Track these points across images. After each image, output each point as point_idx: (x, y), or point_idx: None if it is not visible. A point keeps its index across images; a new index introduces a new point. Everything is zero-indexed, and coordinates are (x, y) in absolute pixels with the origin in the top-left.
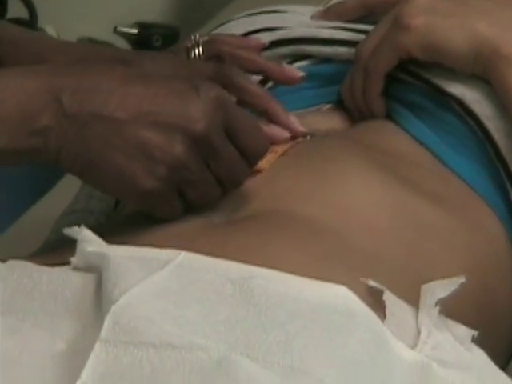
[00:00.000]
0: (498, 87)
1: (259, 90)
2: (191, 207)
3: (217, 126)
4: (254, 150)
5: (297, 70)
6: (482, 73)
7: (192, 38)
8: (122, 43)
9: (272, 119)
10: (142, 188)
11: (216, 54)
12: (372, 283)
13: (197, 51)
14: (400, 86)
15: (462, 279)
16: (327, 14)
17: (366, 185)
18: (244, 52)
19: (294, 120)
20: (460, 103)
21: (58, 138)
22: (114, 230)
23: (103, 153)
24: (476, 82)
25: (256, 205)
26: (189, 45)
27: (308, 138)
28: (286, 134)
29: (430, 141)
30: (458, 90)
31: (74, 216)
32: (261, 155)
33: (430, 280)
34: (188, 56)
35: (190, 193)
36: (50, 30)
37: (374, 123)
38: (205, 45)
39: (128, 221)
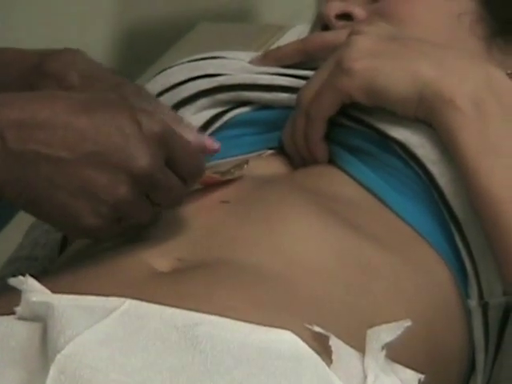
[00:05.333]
0: (441, 131)
1: None
2: (129, 231)
3: (159, 162)
4: (191, 175)
5: (213, 141)
6: (424, 117)
7: None
8: None
9: None
10: (85, 225)
11: None
12: (317, 329)
13: None
14: (342, 131)
15: (407, 323)
16: (266, 59)
17: (310, 230)
18: None
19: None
20: (403, 147)
21: (2, 174)
22: (59, 276)
23: (47, 192)
24: (420, 126)
25: (202, 254)
26: None
27: (245, 166)
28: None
29: (375, 184)
30: (401, 134)
31: (19, 263)
32: (197, 178)
33: (377, 323)
34: None
35: (130, 221)
36: None
37: (317, 168)
38: None
39: (73, 267)
